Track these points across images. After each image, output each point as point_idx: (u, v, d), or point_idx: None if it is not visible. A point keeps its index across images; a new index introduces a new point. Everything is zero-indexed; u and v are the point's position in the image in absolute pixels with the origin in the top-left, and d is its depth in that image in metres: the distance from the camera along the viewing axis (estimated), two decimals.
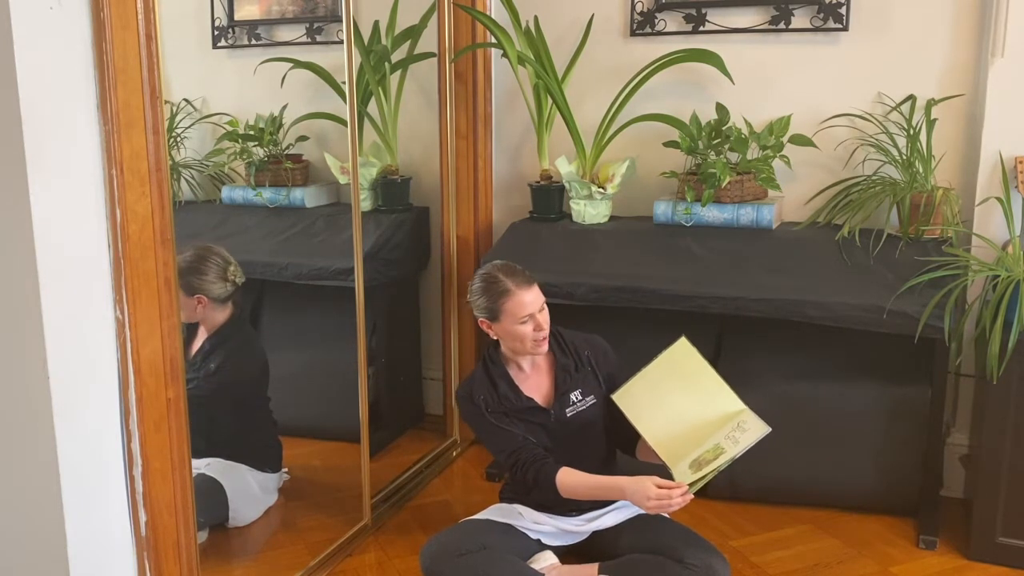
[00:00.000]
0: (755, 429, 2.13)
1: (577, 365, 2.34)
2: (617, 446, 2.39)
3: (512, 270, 2.28)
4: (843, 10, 2.82)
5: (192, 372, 2.50)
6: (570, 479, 2.19)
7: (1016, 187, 2.56)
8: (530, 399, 2.31)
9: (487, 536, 2.22)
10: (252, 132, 2.94)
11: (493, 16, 3.10)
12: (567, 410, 2.30)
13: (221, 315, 2.58)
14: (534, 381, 2.35)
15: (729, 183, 2.77)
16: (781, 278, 2.63)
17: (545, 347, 2.29)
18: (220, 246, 2.64)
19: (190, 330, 2.56)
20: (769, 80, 2.94)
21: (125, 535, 1.80)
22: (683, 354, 2.26)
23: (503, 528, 2.28)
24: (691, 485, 2.08)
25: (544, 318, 2.27)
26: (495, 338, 2.32)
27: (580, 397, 2.31)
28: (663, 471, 2.19)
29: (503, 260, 2.37)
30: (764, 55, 2.94)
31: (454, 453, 3.24)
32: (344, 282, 2.72)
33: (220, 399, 2.56)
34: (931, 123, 2.72)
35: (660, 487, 2.06)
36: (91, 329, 1.69)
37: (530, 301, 2.24)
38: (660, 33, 3.04)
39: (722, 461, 2.09)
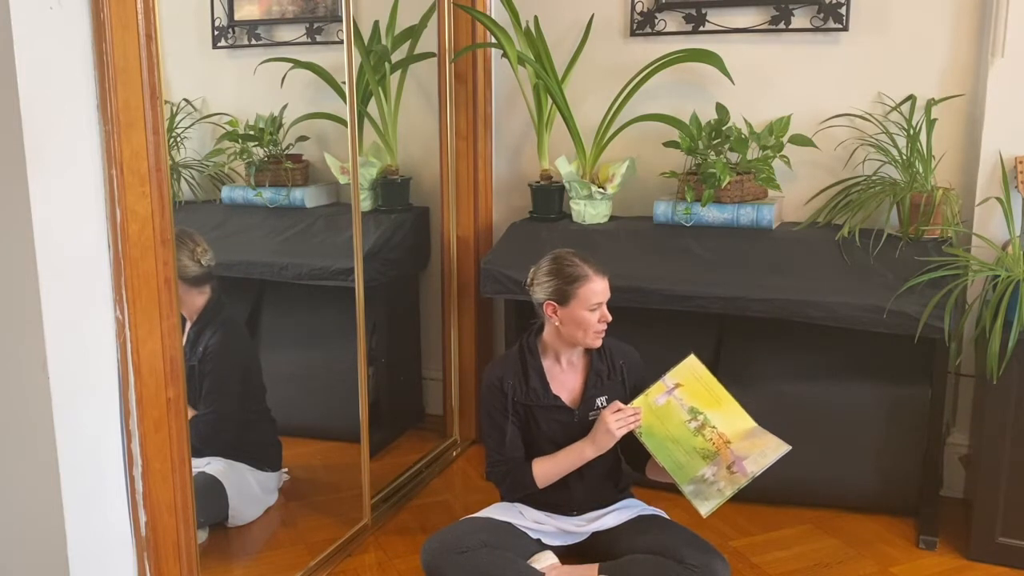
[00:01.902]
0: (773, 450, 2.15)
1: (610, 372, 2.35)
2: (628, 461, 2.39)
3: (586, 257, 2.31)
4: (843, 10, 2.82)
5: (185, 360, 2.52)
6: (542, 465, 2.29)
7: (1016, 187, 2.56)
8: (556, 397, 2.32)
9: (488, 534, 2.22)
10: (252, 132, 2.94)
11: (493, 16, 3.10)
12: (590, 414, 2.31)
13: (199, 300, 2.59)
14: (565, 379, 2.35)
15: (729, 183, 2.77)
16: (781, 278, 2.63)
17: (601, 340, 2.30)
18: (217, 246, 2.65)
19: None
20: (769, 80, 2.94)
21: (125, 535, 1.80)
22: (692, 370, 2.27)
23: (504, 526, 2.28)
24: (707, 502, 2.14)
25: (607, 313, 2.28)
26: (556, 323, 2.28)
27: (605, 404, 2.31)
28: (672, 490, 2.25)
29: (568, 249, 2.38)
30: (764, 55, 2.94)
31: (454, 453, 3.24)
32: (344, 282, 2.72)
33: (218, 379, 2.57)
34: (931, 123, 2.72)
35: (612, 412, 2.22)
36: (91, 329, 1.69)
37: (602, 290, 2.26)
38: (660, 33, 3.04)
39: (743, 483, 2.12)
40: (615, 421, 2.20)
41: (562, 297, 2.26)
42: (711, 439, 2.21)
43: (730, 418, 2.23)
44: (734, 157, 2.87)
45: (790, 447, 2.15)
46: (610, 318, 2.28)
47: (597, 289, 2.25)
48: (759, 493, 2.78)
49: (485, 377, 2.39)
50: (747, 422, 2.23)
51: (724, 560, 2.16)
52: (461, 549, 2.15)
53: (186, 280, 2.55)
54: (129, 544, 1.81)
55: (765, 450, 2.16)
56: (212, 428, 2.56)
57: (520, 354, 2.36)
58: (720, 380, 2.81)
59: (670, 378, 2.27)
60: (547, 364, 2.35)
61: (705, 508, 2.13)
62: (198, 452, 2.53)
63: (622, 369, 2.36)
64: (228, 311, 2.67)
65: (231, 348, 2.63)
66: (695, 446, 2.21)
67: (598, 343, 2.30)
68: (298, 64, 2.98)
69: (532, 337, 2.37)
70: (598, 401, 2.32)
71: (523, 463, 2.31)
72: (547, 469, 2.29)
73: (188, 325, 2.59)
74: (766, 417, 2.73)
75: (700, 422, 2.23)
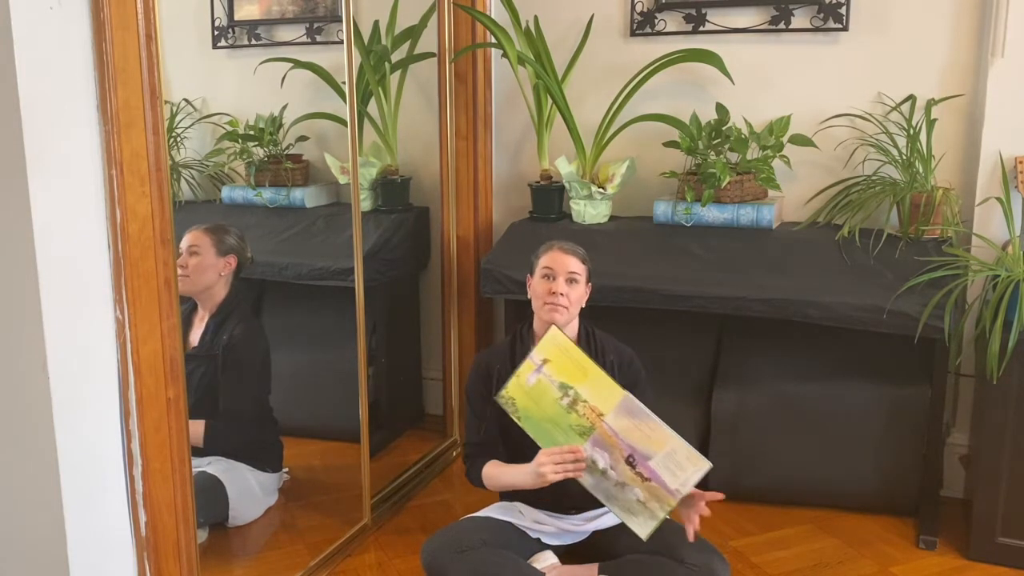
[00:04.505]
0: (688, 460, 2.10)
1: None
2: None
3: (571, 243, 2.34)
4: (843, 10, 2.82)
5: (205, 352, 2.55)
6: (491, 469, 2.30)
7: (1016, 187, 2.56)
8: None
9: (488, 533, 2.22)
10: (252, 132, 2.95)
11: (493, 16, 3.10)
12: None
13: (222, 292, 2.62)
14: None
15: (729, 183, 2.77)
16: (781, 278, 2.63)
17: (560, 316, 2.25)
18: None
19: (186, 322, 2.57)
20: (769, 80, 2.94)
21: (125, 535, 1.80)
22: (556, 344, 2.21)
23: (504, 526, 2.28)
24: (634, 517, 2.13)
25: (564, 288, 2.25)
26: (530, 297, 2.34)
27: None
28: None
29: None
30: (764, 55, 2.94)
31: (454, 453, 3.24)
32: (344, 282, 2.72)
33: (242, 372, 2.60)
34: (931, 123, 2.72)
35: (548, 454, 2.14)
36: (91, 329, 1.69)
37: (560, 261, 2.27)
38: (660, 33, 3.04)
39: (673, 504, 2.09)
40: (549, 466, 2.13)
41: (531, 267, 2.34)
42: (584, 414, 2.16)
43: (598, 389, 2.16)
44: (734, 157, 2.87)
45: (710, 464, 2.09)
46: (559, 290, 2.24)
47: (554, 257, 2.27)
48: (759, 493, 2.80)
49: (473, 362, 2.41)
50: (616, 391, 2.16)
51: (724, 560, 2.16)
52: (461, 548, 2.14)
53: (241, 264, 2.65)
54: (129, 544, 1.81)
55: (674, 455, 2.10)
56: (237, 425, 2.61)
57: (511, 342, 2.37)
58: (719, 379, 2.82)
59: (537, 355, 2.19)
60: None
61: (644, 532, 2.12)
62: (208, 451, 2.54)
63: (612, 365, 2.32)
64: (246, 304, 2.69)
65: (255, 339, 2.65)
66: (570, 423, 2.16)
67: (553, 316, 2.25)
68: (298, 64, 2.98)
69: (526, 327, 2.38)
70: None
71: (485, 456, 2.32)
72: (493, 475, 2.29)
73: (202, 320, 2.61)
74: (766, 417, 2.74)
75: (572, 398, 2.16)
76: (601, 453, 2.14)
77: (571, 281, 2.28)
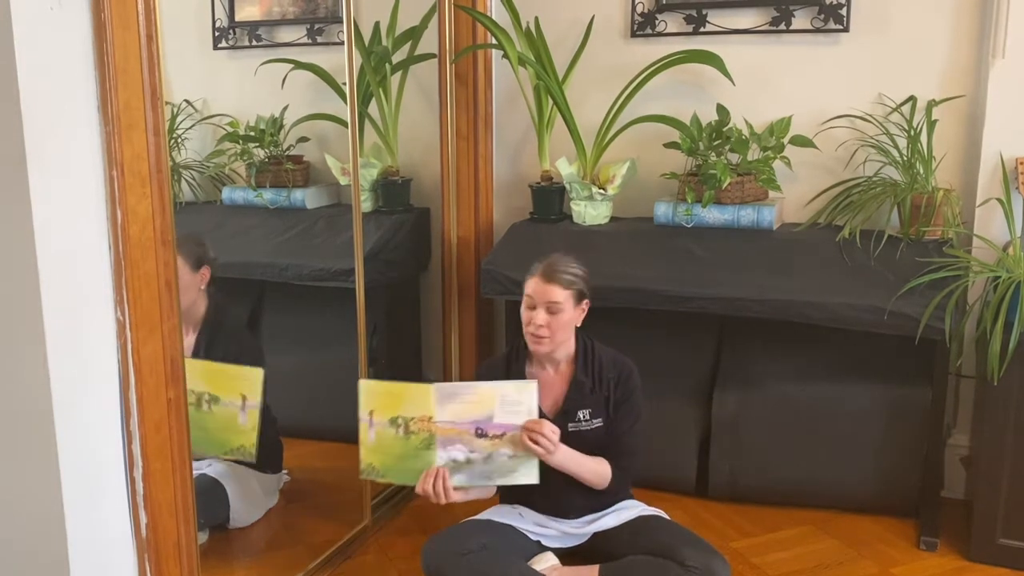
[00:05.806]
0: (520, 390, 2.14)
1: (594, 387, 2.28)
2: None
3: (552, 262, 2.26)
4: (843, 11, 2.82)
5: None
6: None
7: (1017, 188, 2.56)
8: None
9: (489, 536, 2.21)
10: (253, 133, 2.95)
11: (494, 17, 3.10)
12: (570, 425, 2.26)
13: (201, 305, 2.58)
14: (552, 387, 2.30)
15: (730, 184, 2.77)
16: (782, 279, 2.63)
17: (541, 347, 2.24)
18: (217, 247, 2.66)
19: None
20: (769, 81, 2.94)
21: (125, 536, 1.80)
22: (371, 392, 2.22)
23: (504, 528, 2.28)
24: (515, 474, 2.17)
25: (544, 319, 2.21)
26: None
27: (587, 417, 2.28)
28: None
29: (562, 254, 2.32)
30: (765, 56, 2.94)
31: None
32: (345, 283, 2.72)
33: None
34: (932, 124, 2.72)
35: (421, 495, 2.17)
36: (91, 330, 1.69)
37: (539, 290, 2.22)
38: (661, 34, 3.04)
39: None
40: (431, 499, 2.16)
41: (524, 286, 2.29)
42: (418, 429, 2.16)
43: (414, 400, 2.17)
44: (735, 158, 2.86)
45: (535, 381, 2.15)
46: (539, 322, 2.20)
47: (533, 286, 2.23)
48: (759, 494, 2.80)
49: (475, 375, 2.39)
50: (425, 390, 2.17)
51: (724, 561, 2.15)
52: (462, 551, 2.14)
53: (214, 274, 2.59)
54: (130, 545, 1.81)
55: (506, 399, 2.13)
56: (273, 429, 2.62)
57: (507, 356, 2.35)
58: (719, 380, 2.82)
59: (363, 413, 2.20)
60: (534, 370, 2.32)
61: (532, 477, 2.17)
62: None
63: (610, 384, 2.29)
64: (230, 316, 2.66)
65: (248, 358, 2.62)
66: (415, 445, 2.17)
67: (538, 347, 2.24)
68: (299, 65, 2.99)
69: (522, 342, 2.33)
70: (580, 414, 2.27)
71: None
72: None
73: (189, 337, 2.55)
74: (767, 417, 2.74)
75: (403, 424, 2.18)
76: (454, 448, 2.16)
77: (552, 312, 2.22)
